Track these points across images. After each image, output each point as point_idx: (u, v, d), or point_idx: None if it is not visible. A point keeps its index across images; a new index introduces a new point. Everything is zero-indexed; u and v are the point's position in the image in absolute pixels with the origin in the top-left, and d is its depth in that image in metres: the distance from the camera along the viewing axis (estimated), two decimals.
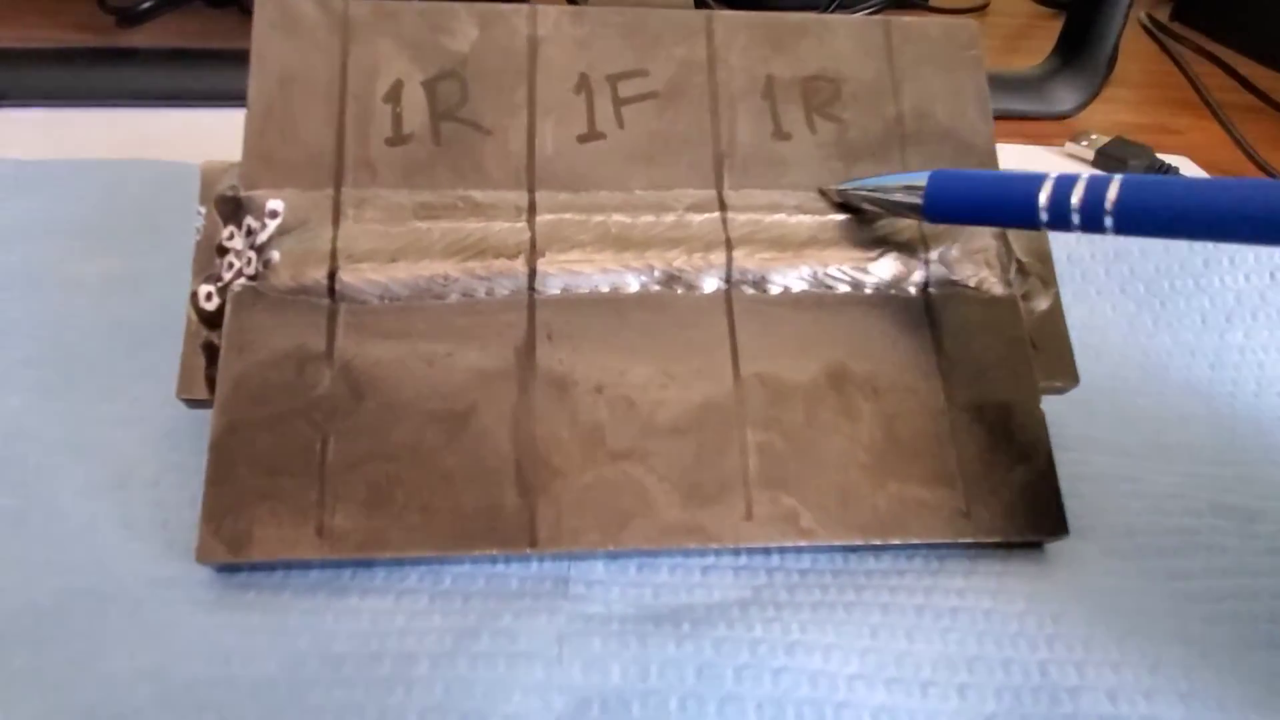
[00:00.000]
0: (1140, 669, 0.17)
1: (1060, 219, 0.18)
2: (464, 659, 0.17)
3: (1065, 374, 0.22)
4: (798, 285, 0.21)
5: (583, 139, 0.21)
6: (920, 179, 0.20)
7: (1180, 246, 0.28)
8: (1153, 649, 0.18)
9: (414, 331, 0.20)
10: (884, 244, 0.21)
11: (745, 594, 0.19)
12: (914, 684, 0.17)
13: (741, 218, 0.21)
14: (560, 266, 0.20)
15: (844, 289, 0.21)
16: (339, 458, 0.18)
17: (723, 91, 0.22)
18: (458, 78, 0.21)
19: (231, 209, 0.20)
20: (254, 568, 0.18)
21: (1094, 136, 0.39)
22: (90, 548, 0.19)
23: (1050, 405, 0.20)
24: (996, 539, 0.19)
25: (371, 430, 0.19)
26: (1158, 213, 0.17)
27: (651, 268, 0.21)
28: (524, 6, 0.22)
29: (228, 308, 0.19)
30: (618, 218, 0.21)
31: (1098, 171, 0.18)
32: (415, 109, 0.21)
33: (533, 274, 0.20)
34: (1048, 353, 0.22)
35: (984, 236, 0.22)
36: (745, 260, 0.21)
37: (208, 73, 0.39)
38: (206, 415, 0.20)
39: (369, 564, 0.19)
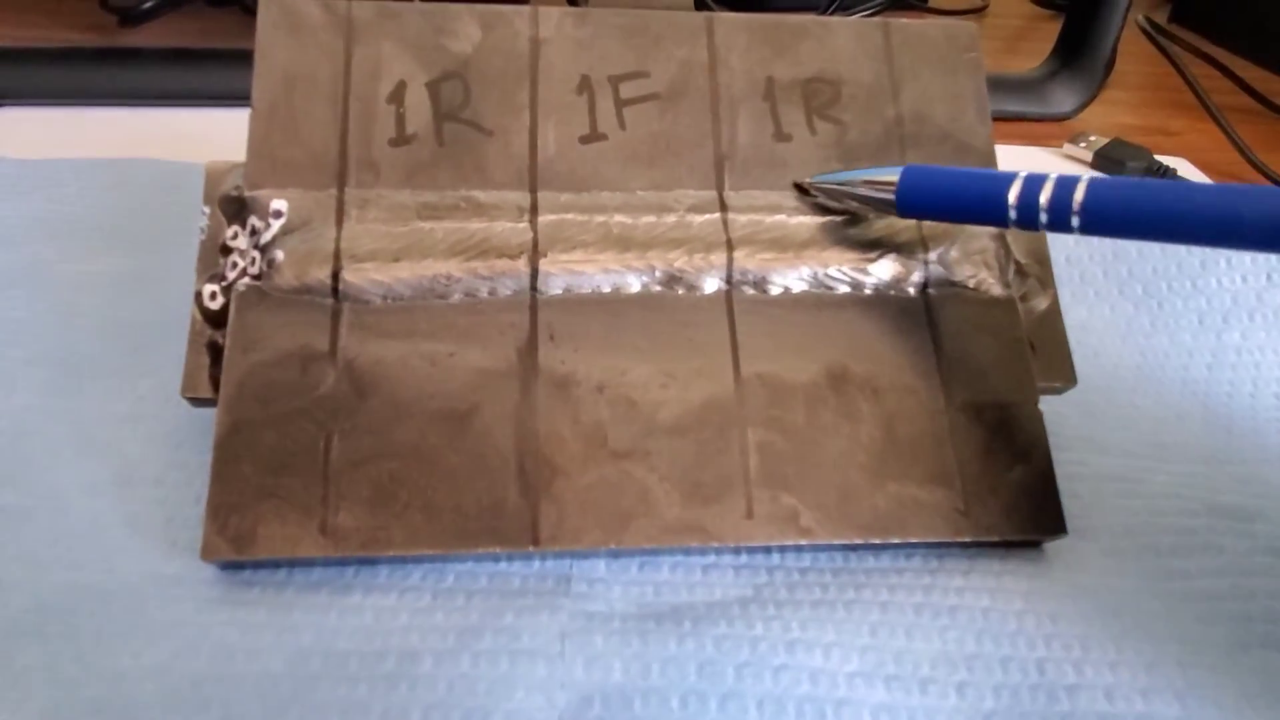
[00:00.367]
0: (1137, 667, 0.18)
1: (1028, 218, 0.18)
2: (467, 656, 0.17)
3: (1063, 375, 0.22)
4: (798, 286, 0.21)
5: (584, 140, 0.22)
6: (893, 174, 0.20)
7: (1178, 248, 0.28)
8: (1150, 648, 0.18)
9: (417, 331, 0.20)
10: (883, 245, 0.21)
11: (746, 592, 0.19)
12: (913, 682, 0.17)
13: (742, 219, 0.21)
14: (562, 267, 0.20)
15: (844, 290, 0.21)
16: (342, 456, 0.19)
17: (724, 93, 0.22)
18: (460, 79, 0.21)
19: (236, 209, 0.21)
20: (258, 565, 0.18)
21: (1092, 138, 0.39)
22: (95, 545, 0.19)
23: (1048, 405, 0.21)
24: (995, 538, 0.19)
25: (375, 429, 0.19)
26: (1123, 214, 0.17)
27: (653, 268, 0.21)
28: (526, 8, 0.22)
29: (232, 307, 0.20)
30: (619, 218, 0.21)
31: (1068, 173, 0.18)
32: (418, 110, 0.21)
33: (535, 274, 0.20)
34: (1046, 353, 0.22)
35: (982, 238, 0.22)
36: (746, 261, 0.21)
37: (210, 72, 0.39)
38: (210, 414, 0.20)
39: (372, 562, 0.19)
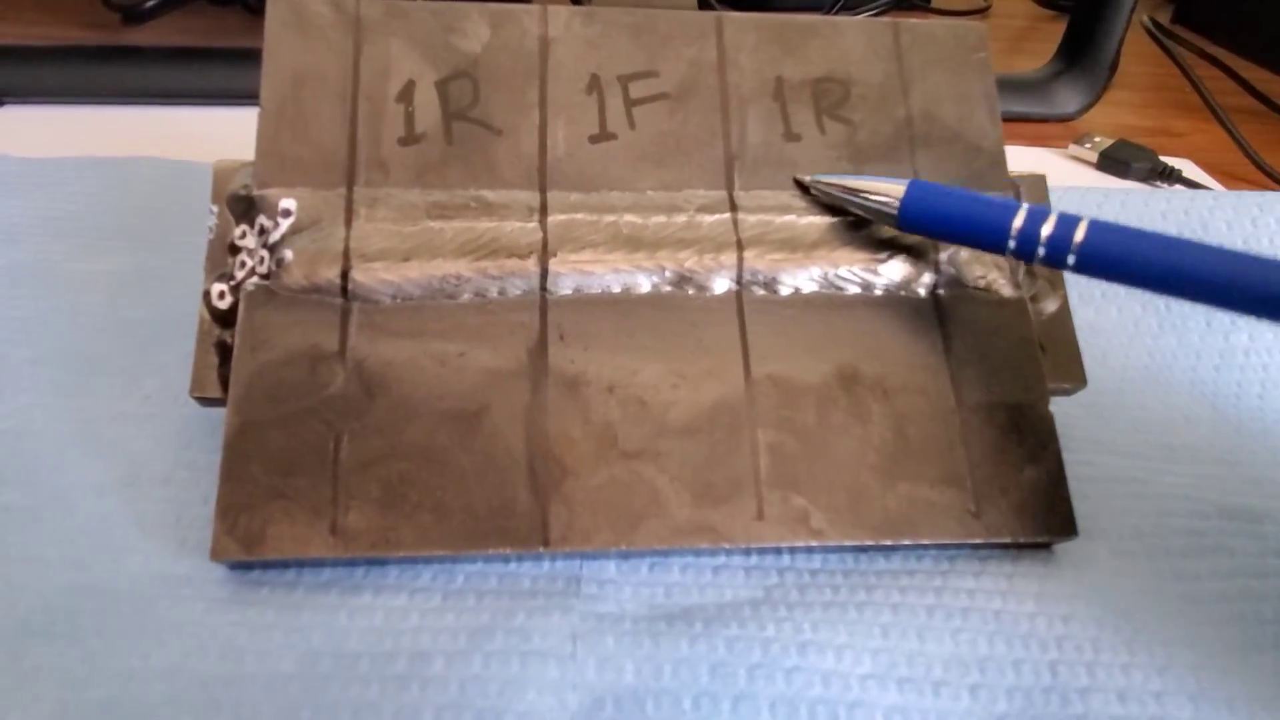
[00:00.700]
0: (1150, 670, 0.18)
1: (1027, 249, 0.19)
2: (478, 657, 0.17)
3: (1073, 376, 0.22)
4: (808, 286, 0.21)
5: (594, 139, 0.21)
6: (899, 186, 0.20)
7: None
8: (1162, 650, 0.18)
9: (426, 331, 0.20)
10: (893, 245, 0.21)
11: (757, 594, 0.19)
12: (926, 684, 0.17)
13: (752, 219, 0.21)
14: (572, 266, 0.20)
15: (854, 290, 0.21)
16: (352, 457, 0.18)
17: (733, 93, 0.22)
18: (469, 78, 0.21)
19: (244, 208, 0.20)
20: (266, 565, 0.18)
21: (1097, 139, 0.39)
22: (103, 545, 0.19)
23: (1056, 407, 0.21)
24: (1006, 540, 0.19)
25: (384, 429, 0.19)
26: (1120, 261, 0.17)
27: (663, 268, 0.21)
28: (535, 7, 0.22)
29: (241, 306, 0.19)
30: (629, 218, 0.21)
31: (1069, 212, 0.18)
32: (427, 109, 0.21)
33: (545, 274, 0.20)
34: (1056, 354, 0.22)
35: None
36: (756, 261, 0.21)
37: (213, 71, 0.39)
38: (217, 413, 0.20)
39: (382, 562, 0.19)
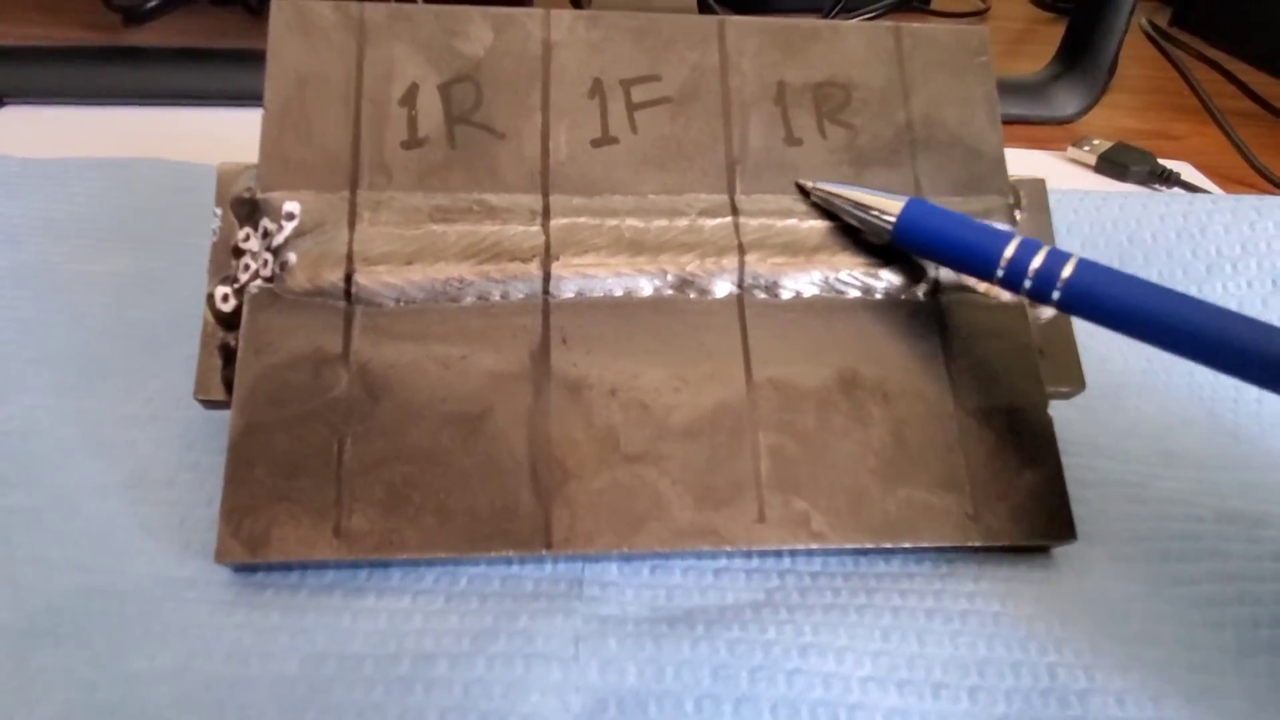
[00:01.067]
0: (1147, 672, 0.18)
1: (1014, 280, 0.19)
2: (482, 659, 0.17)
3: (1072, 379, 0.22)
4: (809, 290, 0.21)
5: (596, 143, 0.22)
6: (896, 203, 0.20)
7: (1184, 252, 0.28)
8: (1159, 653, 0.18)
9: (429, 334, 0.20)
10: (894, 250, 0.21)
11: (758, 596, 0.19)
12: (925, 686, 0.17)
13: (753, 223, 0.21)
14: (574, 270, 0.20)
15: (854, 294, 0.21)
16: (356, 459, 0.19)
17: (735, 97, 0.22)
18: (472, 81, 0.21)
19: (247, 210, 0.21)
20: (270, 567, 0.18)
21: (1096, 142, 0.40)
22: (107, 547, 0.19)
23: (1054, 411, 0.21)
24: (1005, 543, 0.20)
25: (388, 432, 0.19)
26: (1104, 303, 0.18)
27: (664, 272, 0.21)
28: (538, 11, 0.22)
29: (245, 309, 0.20)
30: (631, 222, 0.21)
31: (1061, 249, 0.19)
32: (430, 112, 0.21)
33: (547, 277, 0.20)
34: (1054, 358, 0.22)
35: None
36: (757, 265, 0.21)
37: (214, 72, 0.39)
38: (219, 415, 0.20)
39: (385, 564, 0.19)
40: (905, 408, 0.20)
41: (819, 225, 0.22)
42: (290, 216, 0.20)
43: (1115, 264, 0.29)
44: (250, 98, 0.37)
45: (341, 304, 0.20)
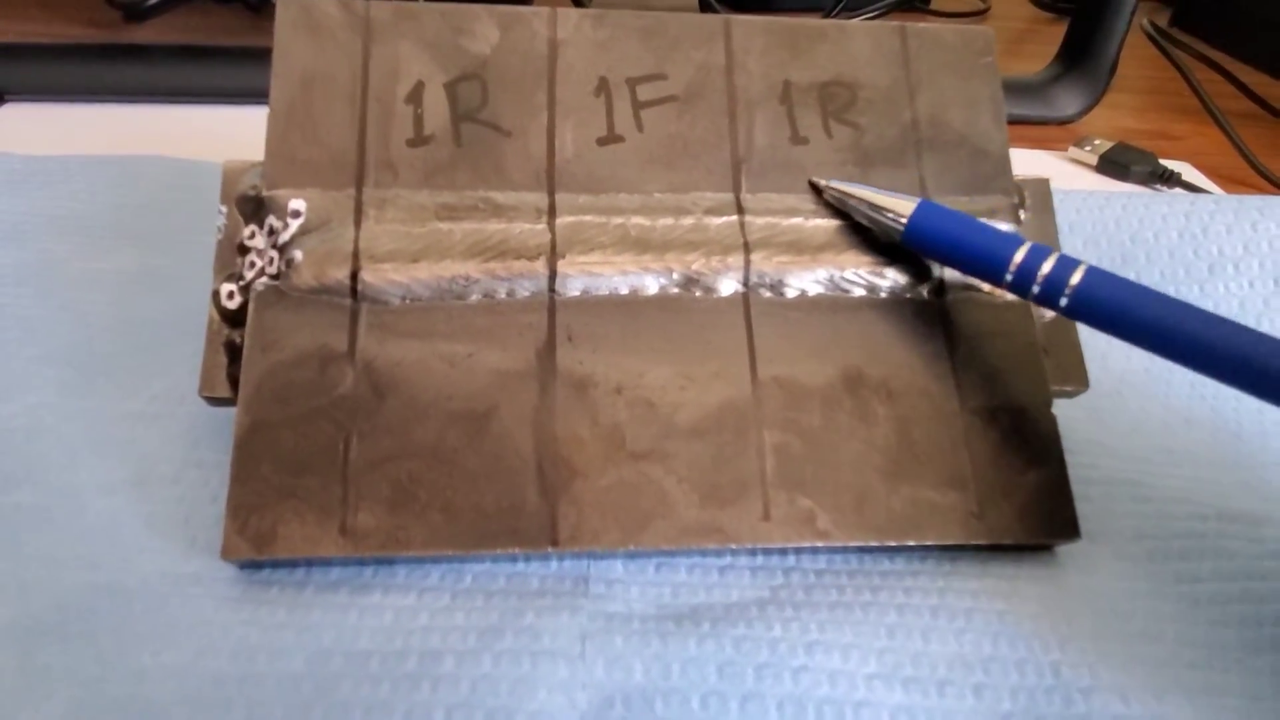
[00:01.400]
0: (1151, 670, 0.18)
1: (1023, 284, 0.19)
2: (488, 656, 0.17)
3: (1076, 378, 0.22)
4: (814, 289, 0.21)
5: (602, 141, 0.22)
6: (908, 204, 0.20)
7: (1186, 252, 0.28)
8: (1163, 651, 0.18)
9: (435, 332, 0.20)
10: (899, 248, 0.21)
11: (763, 594, 0.19)
12: (930, 684, 0.17)
13: (759, 221, 0.21)
14: (580, 268, 0.20)
15: (859, 293, 0.21)
16: (361, 457, 0.19)
17: (741, 96, 0.22)
18: (478, 79, 0.21)
19: (253, 208, 0.21)
20: (276, 564, 0.19)
21: (1097, 142, 0.40)
22: (113, 544, 0.19)
23: (1058, 409, 0.21)
24: (1009, 541, 0.20)
25: (393, 430, 0.19)
26: (1112, 310, 0.18)
27: (670, 270, 0.21)
28: (545, 10, 0.22)
29: (250, 307, 0.20)
30: (637, 220, 0.21)
31: (1070, 256, 0.19)
32: (436, 110, 0.21)
33: (553, 275, 0.20)
34: (1058, 357, 0.22)
35: None
36: (762, 263, 0.21)
37: (216, 69, 0.39)
38: (223, 413, 0.20)
39: (390, 562, 0.19)
40: (910, 406, 0.20)
41: (824, 224, 0.22)
42: (296, 214, 0.20)
43: (1118, 264, 0.29)
44: (252, 95, 0.37)
45: (347, 301, 0.20)
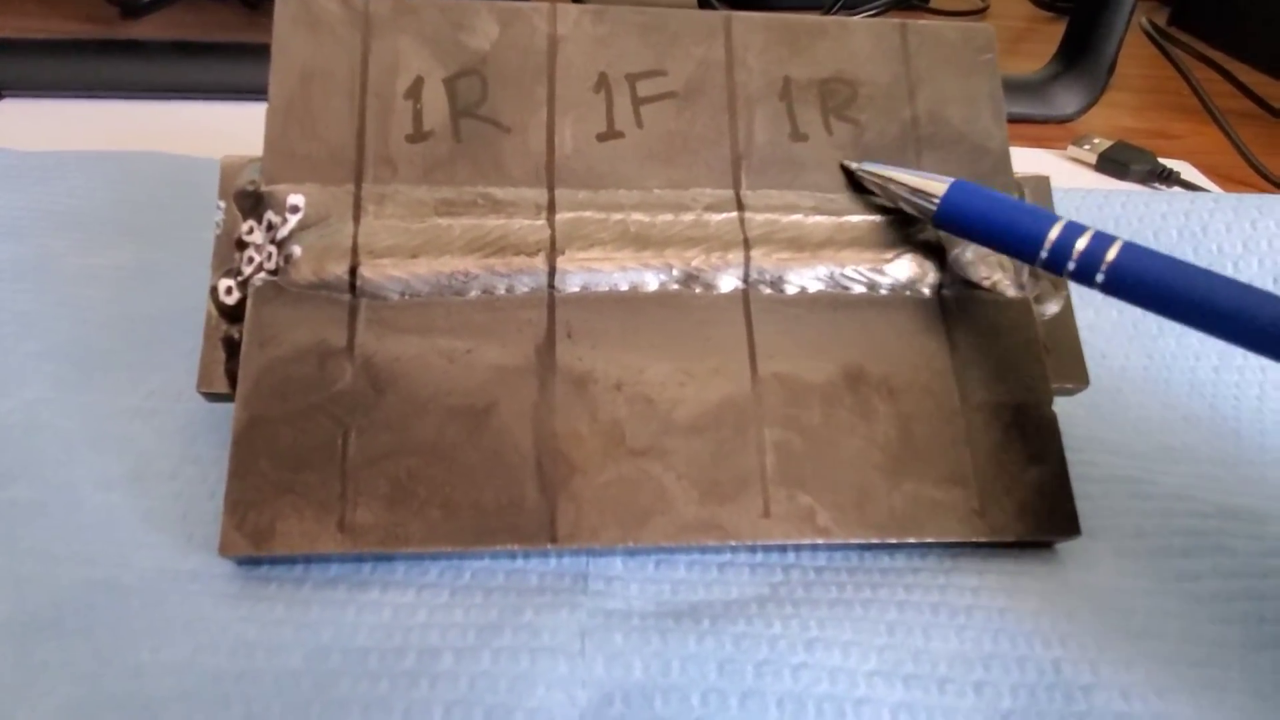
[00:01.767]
0: (1152, 667, 0.18)
1: (1058, 261, 0.19)
2: (487, 653, 0.17)
3: (1076, 376, 0.22)
4: (814, 285, 0.21)
5: (602, 137, 0.22)
6: (941, 185, 0.20)
7: (1185, 251, 0.28)
8: (1164, 648, 0.18)
9: (434, 327, 0.20)
10: (900, 245, 0.21)
11: (763, 591, 0.19)
12: (931, 681, 0.17)
13: (759, 218, 0.21)
14: (580, 264, 0.20)
15: (860, 290, 0.21)
16: (360, 453, 0.19)
17: (740, 92, 0.22)
18: (478, 75, 0.21)
19: (251, 203, 0.20)
20: (274, 561, 0.18)
21: (1096, 140, 0.40)
22: (111, 540, 0.19)
23: (1058, 407, 0.21)
24: (1010, 539, 0.20)
25: (392, 426, 0.19)
26: (1148, 285, 0.18)
27: (670, 266, 0.21)
28: (544, 5, 0.22)
29: (249, 302, 0.19)
30: (636, 216, 0.21)
31: (1108, 232, 0.18)
32: (436, 106, 0.21)
33: (552, 271, 0.20)
34: (1059, 355, 0.22)
35: None
36: (763, 260, 0.21)
37: (213, 66, 0.39)
38: (221, 408, 0.20)
39: (389, 558, 0.19)
40: (911, 403, 0.20)
41: (824, 221, 0.22)
42: (295, 209, 0.20)
43: None
44: (248, 91, 0.37)
45: (346, 297, 0.20)
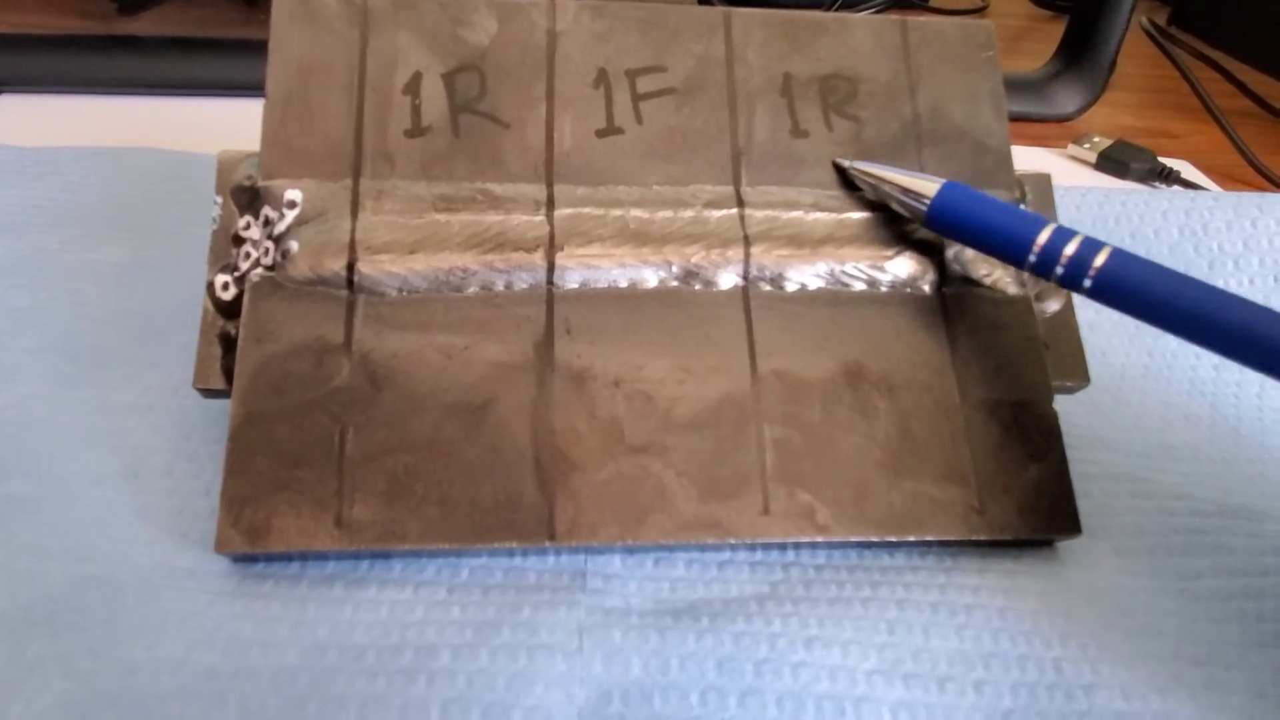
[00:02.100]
0: (1152, 666, 0.18)
1: (1046, 266, 0.19)
2: (485, 651, 0.17)
3: (1077, 374, 0.22)
4: (814, 282, 0.21)
5: (601, 134, 0.21)
6: (932, 185, 0.20)
7: (1186, 249, 0.28)
8: (1164, 646, 0.18)
9: (432, 324, 0.20)
10: (900, 242, 0.21)
11: (762, 589, 0.19)
12: (931, 679, 0.17)
13: (759, 214, 0.21)
14: (579, 260, 0.20)
15: (860, 287, 0.21)
16: (357, 449, 0.18)
17: (740, 88, 0.22)
18: (477, 70, 0.21)
19: (248, 199, 0.20)
20: (270, 558, 0.18)
21: (1096, 139, 0.40)
22: (106, 536, 0.18)
23: (1058, 405, 0.21)
24: (1009, 537, 0.19)
25: (390, 422, 0.19)
26: (1135, 292, 0.18)
27: (669, 263, 0.21)
28: (544, 0, 0.22)
29: (246, 298, 0.19)
30: (636, 213, 0.21)
31: (1096, 238, 0.18)
32: (434, 101, 0.21)
33: (551, 268, 0.20)
34: (1060, 353, 0.22)
35: None
36: (763, 257, 0.21)
37: (210, 62, 0.39)
38: (216, 405, 0.20)
39: (386, 555, 0.19)
40: (911, 401, 0.20)
41: (825, 218, 0.21)
42: (292, 205, 0.20)
43: None
44: (246, 88, 0.37)
45: (344, 293, 0.20)
